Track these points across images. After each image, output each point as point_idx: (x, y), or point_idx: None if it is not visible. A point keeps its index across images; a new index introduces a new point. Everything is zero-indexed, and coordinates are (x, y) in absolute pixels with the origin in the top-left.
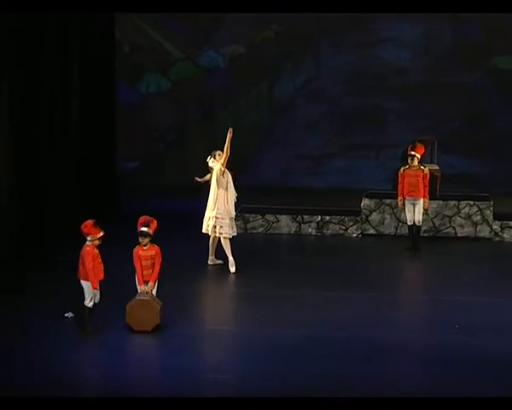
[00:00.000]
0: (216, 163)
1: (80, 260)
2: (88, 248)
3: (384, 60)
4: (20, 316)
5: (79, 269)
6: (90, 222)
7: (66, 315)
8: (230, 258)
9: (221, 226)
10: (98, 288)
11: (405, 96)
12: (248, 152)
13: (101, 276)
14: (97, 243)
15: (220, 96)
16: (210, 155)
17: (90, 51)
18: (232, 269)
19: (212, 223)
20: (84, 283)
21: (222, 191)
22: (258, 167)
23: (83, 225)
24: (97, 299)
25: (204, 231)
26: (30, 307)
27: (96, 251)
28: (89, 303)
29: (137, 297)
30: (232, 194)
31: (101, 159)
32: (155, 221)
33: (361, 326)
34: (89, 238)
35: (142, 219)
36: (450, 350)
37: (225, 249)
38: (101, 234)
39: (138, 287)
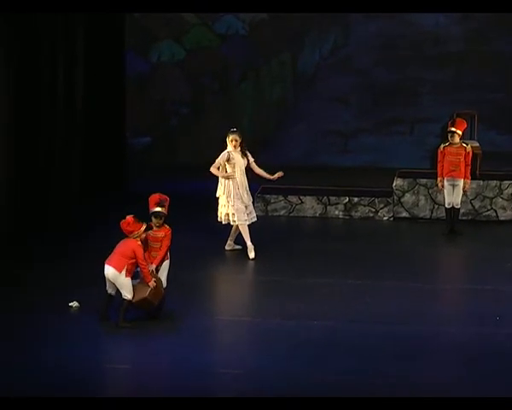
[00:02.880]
0: (236, 150)
1: (124, 253)
2: (139, 243)
3: (419, 26)
4: (23, 308)
5: (118, 262)
6: (129, 219)
7: (70, 305)
8: (249, 243)
9: (233, 214)
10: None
11: (443, 65)
12: (270, 128)
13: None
14: (143, 236)
15: (239, 66)
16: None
17: (95, 16)
18: (251, 255)
19: (224, 210)
20: (120, 275)
21: (232, 178)
22: (280, 144)
23: (124, 224)
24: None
25: (219, 219)
26: (33, 297)
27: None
28: (128, 296)
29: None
30: (245, 180)
31: (109, 135)
32: (168, 199)
33: (392, 319)
34: (134, 235)
35: (156, 197)
36: (493, 345)
37: (243, 235)
38: (144, 227)
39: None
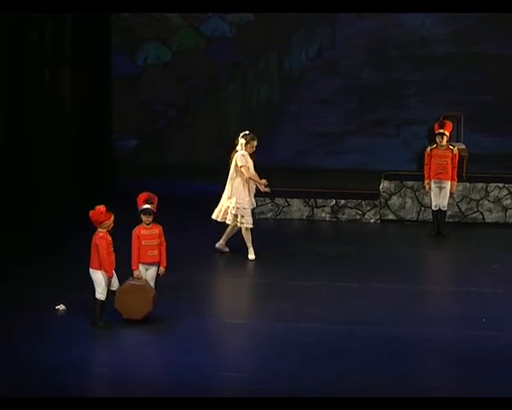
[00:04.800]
0: (244, 150)
1: (93, 249)
2: (101, 234)
3: (406, 27)
4: (12, 309)
5: (92, 258)
6: (101, 209)
7: (57, 307)
8: (251, 248)
9: (242, 216)
10: (114, 275)
11: (429, 67)
12: (257, 129)
13: (114, 265)
14: (111, 226)
15: (226, 67)
16: (245, 135)
17: (82, 17)
18: (252, 256)
19: (233, 212)
20: (95, 273)
21: (242, 180)
22: (267, 146)
23: (94, 214)
24: (116, 285)
25: (214, 217)
26: (21, 297)
27: (110, 238)
28: (99, 295)
29: (130, 281)
30: (253, 184)
31: (96, 137)
32: (156, 198)
33: (381, 321)
34: (104, 225)
35: (144, 195)
36: (478, 347)
37: (246, 239)
38: (112, 217)
39: (134, 271)
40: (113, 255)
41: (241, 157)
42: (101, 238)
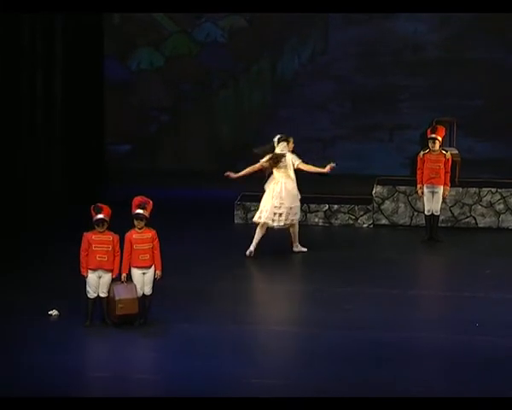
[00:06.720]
0: (286, 150)
1: None
2: (85, 233)
3: (398, 33)
4: (4, 313)
5: None
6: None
7: (50, 313)
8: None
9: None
10: (105, 279)
11: (422, 72)
12: (249, 134)
13: (93, 264)
14: (96, 227)
15: (218, 73)
16: (282, 139)
17: (75, 23)
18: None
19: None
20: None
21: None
22: None
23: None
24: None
25: (281, 225)
26: (16, 301)
27: (94, 237)
28: (88, 294)
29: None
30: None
31: (88, 142)
32: (151, 203)
33: (373, 325)
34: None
35: (138, 200)
36: (472, 351)
37: (258, 236)
38: (97, 217)
39: (122, 274)
40: (93, 256)
41: (295, 156)
42: (84, 236)
